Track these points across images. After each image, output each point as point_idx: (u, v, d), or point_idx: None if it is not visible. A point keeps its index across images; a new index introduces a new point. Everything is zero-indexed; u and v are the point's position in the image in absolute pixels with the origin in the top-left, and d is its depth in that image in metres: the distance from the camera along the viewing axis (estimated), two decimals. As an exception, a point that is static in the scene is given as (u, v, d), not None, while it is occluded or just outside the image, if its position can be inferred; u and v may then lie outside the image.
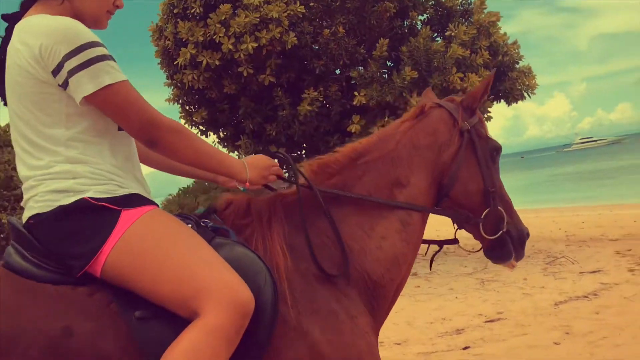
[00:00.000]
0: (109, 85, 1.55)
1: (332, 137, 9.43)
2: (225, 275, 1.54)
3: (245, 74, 8.72)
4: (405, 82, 8.49)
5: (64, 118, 1.58)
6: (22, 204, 1.67)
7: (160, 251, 1.54)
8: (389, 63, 9.38)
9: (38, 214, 1.58)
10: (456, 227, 2.20)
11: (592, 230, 13.16)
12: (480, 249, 2.20)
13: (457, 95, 2.29)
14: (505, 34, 10.12)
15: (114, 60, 1.59)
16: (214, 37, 8.52)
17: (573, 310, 6.17)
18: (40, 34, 1.55)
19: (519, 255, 2.16)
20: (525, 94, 9.75)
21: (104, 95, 1.55)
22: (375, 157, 2.04)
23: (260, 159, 1.88)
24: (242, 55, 8.42)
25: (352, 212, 1.95)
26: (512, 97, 9.64)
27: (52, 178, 1.58)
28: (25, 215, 1.63)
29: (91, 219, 1.55)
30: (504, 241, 2.11)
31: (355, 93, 8.82)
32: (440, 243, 2.24)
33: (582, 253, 9.99)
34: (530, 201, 35.33)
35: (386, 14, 9.05)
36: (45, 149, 1.59)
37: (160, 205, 1.76)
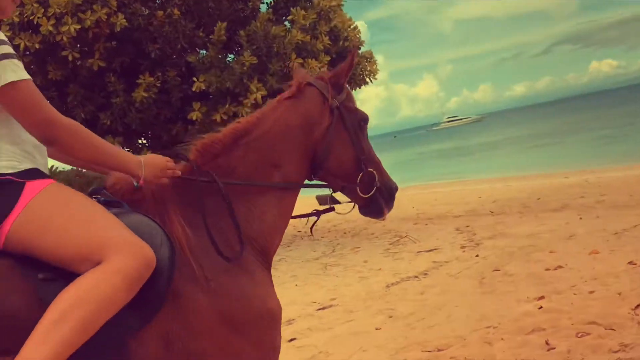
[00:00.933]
0: (13, 82, 1.62)
1: (175, 124, 9.01)
2: (128, 235, 1.67)
3: (70, 58, 8.03)
4: (245, 68, 8.24)
5: None
6: None
7: (65, 216, 1.64)
8: (238, 48, 9.08)
9: None
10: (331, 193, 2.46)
11: (441, 208, 13.81)
12: (353, 208, 2.47)
13: (326, 73, 2.45)
14: (350, 19, 10.19)
15: (19, 59, 1.67)
16: (32, 17, 7.73)
17: (401, 292, 6.34)
18: None
19: (389, 206, 2.45)
20: (368, 79, 9.88)
21: (6, 92, 1.62)
22: (255, 137, 2.19)
23: (156, 159, 1.95)
24: (64, 38, 7.73)
25: (238, 191, 2.12)
26: (354, 82, 9.72)
27: None
28: None
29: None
30: (376, 198, 2.39)
31: (195, 79, 8.45)
32: (319, 213, 2.47)
33: (426, 231, 10.42)
34: (397, 179, 37.02)
35: (225, -4, 8.73)
36: None
37: None
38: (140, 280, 1.66)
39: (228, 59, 8.86)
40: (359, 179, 2.34)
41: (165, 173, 1.96)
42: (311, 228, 2.63)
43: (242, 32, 8.42)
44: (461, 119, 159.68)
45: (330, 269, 7.99)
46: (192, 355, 1.81)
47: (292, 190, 2.28)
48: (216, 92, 8.49)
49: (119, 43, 8.57)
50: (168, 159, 2.00)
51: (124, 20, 7.95)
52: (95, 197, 1.89)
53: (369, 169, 2.36)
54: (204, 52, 8.66)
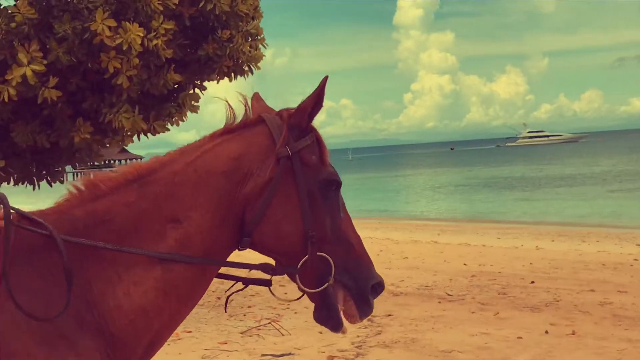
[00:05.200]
0: None
1: None
2: None
3: None
4: (12, 25, 7.18)
5: None
6: None
7: None
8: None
9: None
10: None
11: (397, 273, 12.89)
12: (300, 297, 2.47)
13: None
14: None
15: None
16: None
17: None
18: None
19: (362, 312, 2.38)
20: (246, 68, 8.72)
21: None
22: (156, 179, 2.31)
23: None
24: None
25: (103, 251, 2.21)
26: (218, 70, 8.55)
27: None
28: None
29: None
30: (329, 302, 2.34)
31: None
32: (247, 281, 2.48)
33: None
34: (422, 208, 36.55)
35: None
36: None
37: None
38: None
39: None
40: (300, 263, 2.32)
41: None
42: (226, 300, 2.66)
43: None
44: (548, 136, 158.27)
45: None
46: None
47: (189, 262, 2.29)
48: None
49: None
50: None
51: None
52: None
53: (319, 253, 2.32)
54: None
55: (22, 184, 9.22)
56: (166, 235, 2.26)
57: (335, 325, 2.38)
